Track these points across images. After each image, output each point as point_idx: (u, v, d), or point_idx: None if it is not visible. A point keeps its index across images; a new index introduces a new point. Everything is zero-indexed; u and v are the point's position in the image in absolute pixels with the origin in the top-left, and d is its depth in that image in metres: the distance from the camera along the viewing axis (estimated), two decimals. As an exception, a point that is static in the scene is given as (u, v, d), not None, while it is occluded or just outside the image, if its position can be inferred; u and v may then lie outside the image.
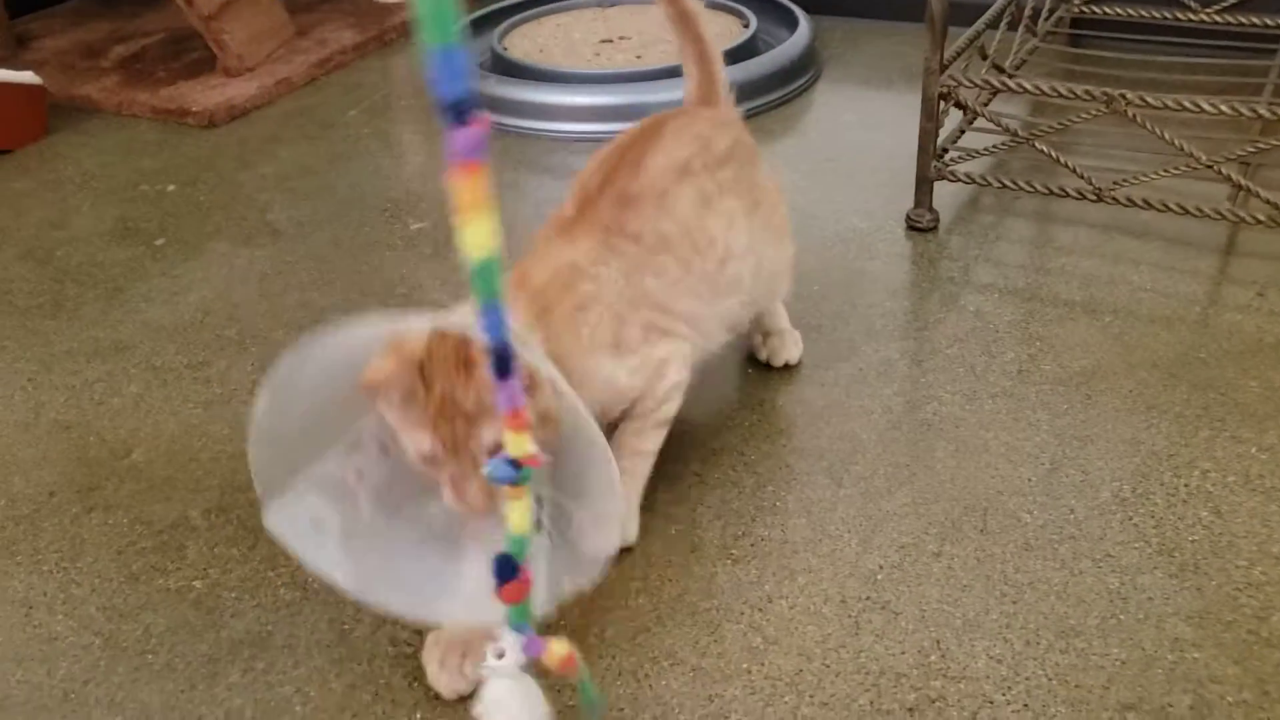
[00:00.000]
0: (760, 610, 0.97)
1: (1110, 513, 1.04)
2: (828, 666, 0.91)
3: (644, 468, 1.03)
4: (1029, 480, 1.08)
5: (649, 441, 1.02)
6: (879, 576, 0.99)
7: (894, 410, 1.19)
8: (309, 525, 0.85)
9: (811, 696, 0.89)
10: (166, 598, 1.02)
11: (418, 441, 0.81)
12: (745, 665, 0.92)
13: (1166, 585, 0.96)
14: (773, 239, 1.14)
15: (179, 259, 1.59)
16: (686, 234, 1.02)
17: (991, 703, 0.87)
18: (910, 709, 0.87)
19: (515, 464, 0.59)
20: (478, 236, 0.52)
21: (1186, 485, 1.07)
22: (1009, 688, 0.88)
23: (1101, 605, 0.95)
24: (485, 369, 0.76)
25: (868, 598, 0.97)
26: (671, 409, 1.03)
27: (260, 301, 1.47)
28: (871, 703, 0.88)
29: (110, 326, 1.44)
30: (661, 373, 1.00)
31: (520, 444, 0.58)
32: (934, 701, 0.87)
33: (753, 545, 1.03)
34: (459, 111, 0.48)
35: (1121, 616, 0.94)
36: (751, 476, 1.12)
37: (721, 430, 1.18)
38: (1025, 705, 0.87)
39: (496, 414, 0.78)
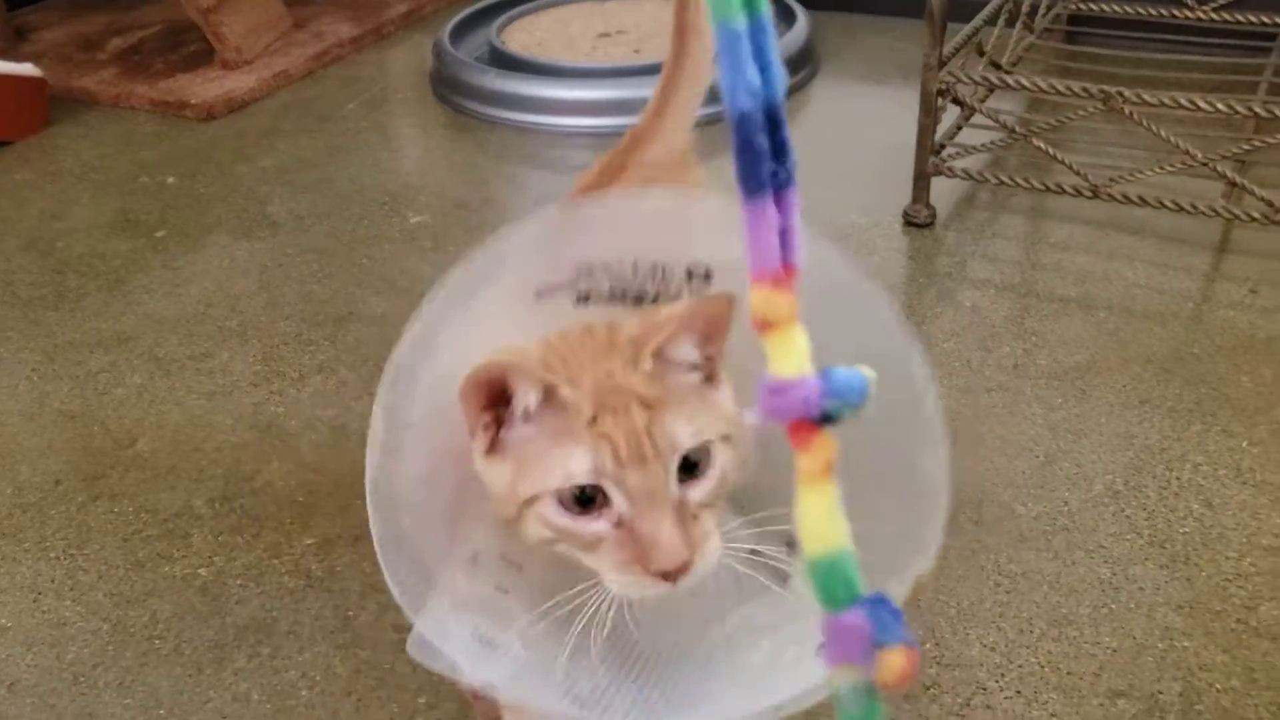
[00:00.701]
0: (759, 599, 0.98)
1: (1103, 505, 1.06)
2: (825, 654, 0.93)
3: None
4: (1024, 473, 1.10)
5: None
6: (876, 566, 1.01)
7: (891, 403, 1.21)
8: (474, 643, 0.57)
9: (809, 683, 0.90)
10: (172, 585, 1.03)
11: (564, 462, 0.53)
12: (744, 653, 0.93)
13: (1157, 576, 0.98)
14: None
15: (179, 251, 1.60)
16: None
17: (985, 689, 0.89)
18: (906, 695, 0.89)
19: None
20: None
21: (1178, 478, 1.08)
22: (1002, 674, 0.90)
23: (1093, 595, 0.96)
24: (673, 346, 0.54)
25: (864, 587, 0.99)
26: None
27: (261, 294, 1.48)
28: (868, 689, 0.89)
29: (112, 318, 1.45)
30: None
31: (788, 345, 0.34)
32: (929, 688, 0.89)
33: (751, 535, 1.05)
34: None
35: (1113, 606, 0.95)
36: (750, 468, 1.13)
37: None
38: (1018, 691, 0.88)
39: (686, 398, 0.55)
